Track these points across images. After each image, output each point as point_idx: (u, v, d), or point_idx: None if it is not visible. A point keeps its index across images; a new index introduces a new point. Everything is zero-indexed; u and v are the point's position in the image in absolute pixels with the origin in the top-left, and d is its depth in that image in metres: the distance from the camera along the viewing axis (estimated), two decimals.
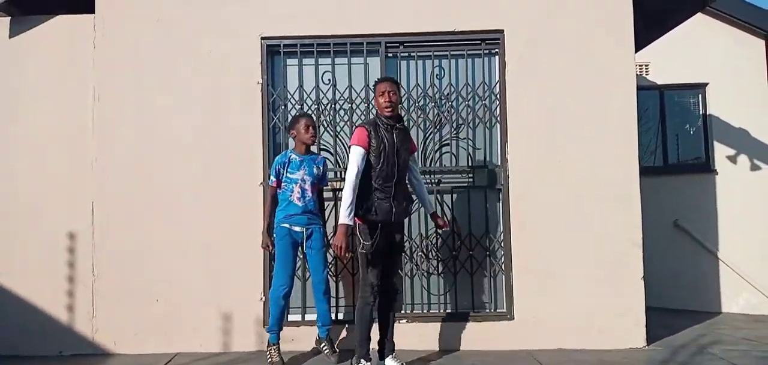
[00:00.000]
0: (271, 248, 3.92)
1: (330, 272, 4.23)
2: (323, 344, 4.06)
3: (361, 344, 3.61)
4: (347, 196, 3.43)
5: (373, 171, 3.51)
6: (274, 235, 3.93)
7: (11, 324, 4.33)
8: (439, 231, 4.28)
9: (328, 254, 4.13)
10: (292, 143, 4.12)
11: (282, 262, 3.89)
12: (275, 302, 3.88)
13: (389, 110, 3.53)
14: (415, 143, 4.07)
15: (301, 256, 4.26)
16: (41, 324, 4.32)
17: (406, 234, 4.30)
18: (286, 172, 3.91)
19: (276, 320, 3.90)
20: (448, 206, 4.54)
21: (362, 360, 3.59)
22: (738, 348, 4.45)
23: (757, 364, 3.96)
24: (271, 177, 3.94)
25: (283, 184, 3.92)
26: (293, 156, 3.95)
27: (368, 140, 3.49)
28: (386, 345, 3.76)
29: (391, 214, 3.53)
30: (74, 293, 4.35)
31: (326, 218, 4.28)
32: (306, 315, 4.40)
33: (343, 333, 4.33)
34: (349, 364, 3.86)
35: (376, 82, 3.70)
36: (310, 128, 3.95)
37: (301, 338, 4.30)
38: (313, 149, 4.17)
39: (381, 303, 3.67)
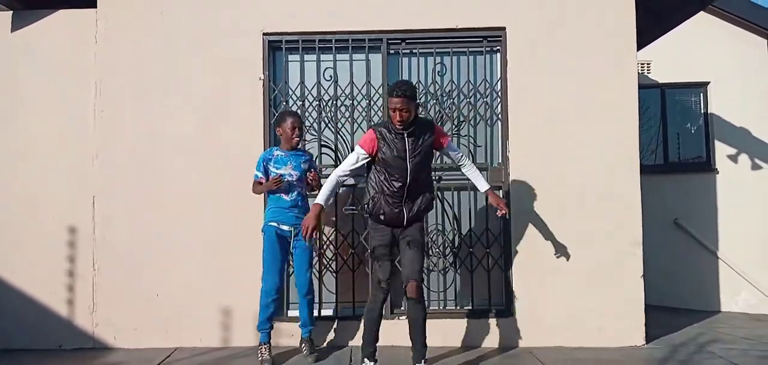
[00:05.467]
0: (279, 180, 3.80)
1: (315, 273, 4.23)
2: (303, 344, 4.06)
3: (366, 344, 3.50)
4: (328, 184, 3.44)
5: (382, 175, 3.41)
6: (262, 233, 3.93)
7: (11, 317, 4.33)
8: (498, 215, 3.72)
9: (313, 253, 4.13)
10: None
11: (271, 261, 3.88)
12: (265, 301, 3.88)
13: (400, 126, 3.33)
14: None
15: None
16: (41, 318, 4.33)
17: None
18: (272, 167, 3.90)
19: (266, 319, 3.90)
20: (449, 203, 4.54)
21: (366, 359, 3.48)
22: (737, 347, 4.46)
23: (757, 363, 3.96)
24: (257, 172, 3.91)
25: (270, 178, 3.89)
26: (278, 152, 3.94)
27: (376, 145, 3.38)
28: (413, 352, 3.51)
29: (400, 219, 3.45)
30: (74, 287, 4.36)
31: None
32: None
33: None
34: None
35: (390, 90, 3.37)
36: (296, 129, 3.89)
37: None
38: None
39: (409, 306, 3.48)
